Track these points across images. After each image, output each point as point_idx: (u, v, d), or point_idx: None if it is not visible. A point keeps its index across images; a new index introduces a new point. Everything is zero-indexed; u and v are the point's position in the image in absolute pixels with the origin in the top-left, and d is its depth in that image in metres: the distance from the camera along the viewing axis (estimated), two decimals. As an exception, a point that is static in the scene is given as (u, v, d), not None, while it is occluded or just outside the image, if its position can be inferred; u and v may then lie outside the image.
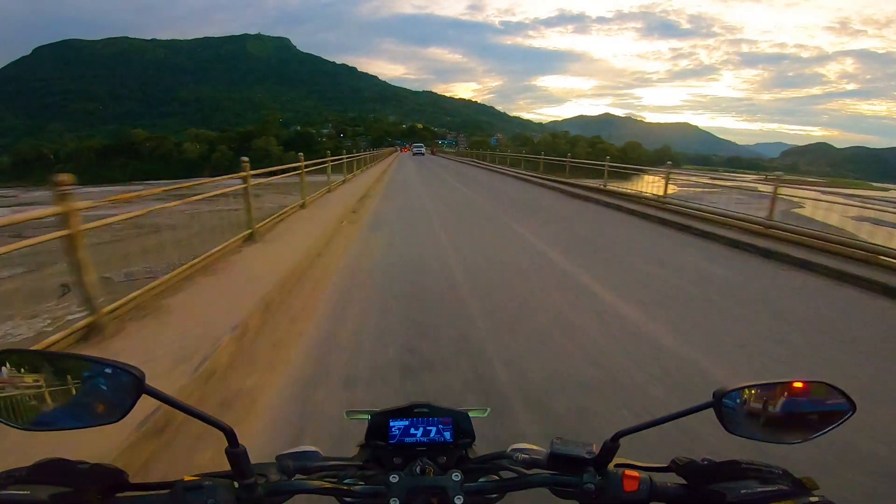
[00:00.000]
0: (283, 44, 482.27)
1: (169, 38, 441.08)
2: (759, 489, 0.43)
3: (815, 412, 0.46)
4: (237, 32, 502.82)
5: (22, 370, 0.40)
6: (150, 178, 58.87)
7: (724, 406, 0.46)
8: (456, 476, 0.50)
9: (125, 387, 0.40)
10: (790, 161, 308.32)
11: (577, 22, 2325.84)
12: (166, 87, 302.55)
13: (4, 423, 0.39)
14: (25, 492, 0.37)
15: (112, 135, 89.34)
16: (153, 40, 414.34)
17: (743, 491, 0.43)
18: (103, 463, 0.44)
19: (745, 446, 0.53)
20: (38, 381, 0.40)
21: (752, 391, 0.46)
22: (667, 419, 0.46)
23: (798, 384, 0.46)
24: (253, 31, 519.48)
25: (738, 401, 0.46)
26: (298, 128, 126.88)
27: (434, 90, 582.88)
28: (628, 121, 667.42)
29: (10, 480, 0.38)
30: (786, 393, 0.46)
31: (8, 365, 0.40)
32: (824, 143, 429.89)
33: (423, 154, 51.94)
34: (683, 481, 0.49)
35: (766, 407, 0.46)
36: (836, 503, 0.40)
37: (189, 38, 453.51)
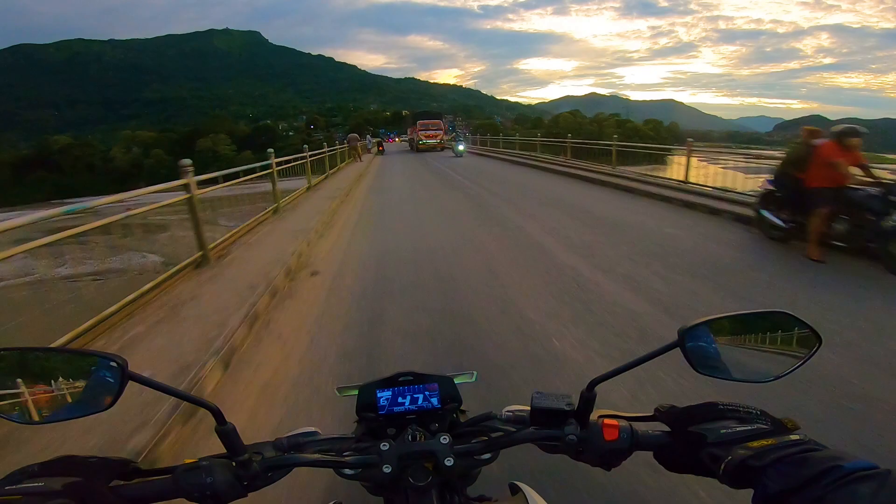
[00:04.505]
0: (254, 38, 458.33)
1: (128, 38, 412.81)
2: (739, 428, 0.43)
3: (780, 346, 0.46)
4: (203, 28, 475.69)
5: (10, 368, 0.41)
6: (74, 194, 45.08)
7: (689, 345, 0.45)
8: (444, 439, 0.50)
9: (111, 375, 0.41)
10: (788, 134, 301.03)
11: (556, 3, 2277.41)
12: (128, 89, 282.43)
13: (6, 419, 0.41)
14: (39, 483, 0.38)
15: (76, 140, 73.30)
16: (111, 41, 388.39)
17: (723, 431, 0.43)
18: (111, 455, 0.45)
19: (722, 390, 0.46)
20: (28, 377, 0.41)
21: (716, 326, 0.45)
22: (635, 363, 0.46)
23: (759, 315, 0.46)
24: (220, 27, 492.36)
25: (702, 337, 0.45)
26: (269, 122, 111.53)
27: (417, 78, 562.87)
28: (614, 99, 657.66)
29: (24, 476, 0.40)
30: (748, 326, 0.46)
31: None
32: (818, 116, 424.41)
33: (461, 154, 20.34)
34: (667, 428, 0.49)
35: (731, 343, 0.46)
36: (819, 442, 0.39)
37: (151, 36, 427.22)
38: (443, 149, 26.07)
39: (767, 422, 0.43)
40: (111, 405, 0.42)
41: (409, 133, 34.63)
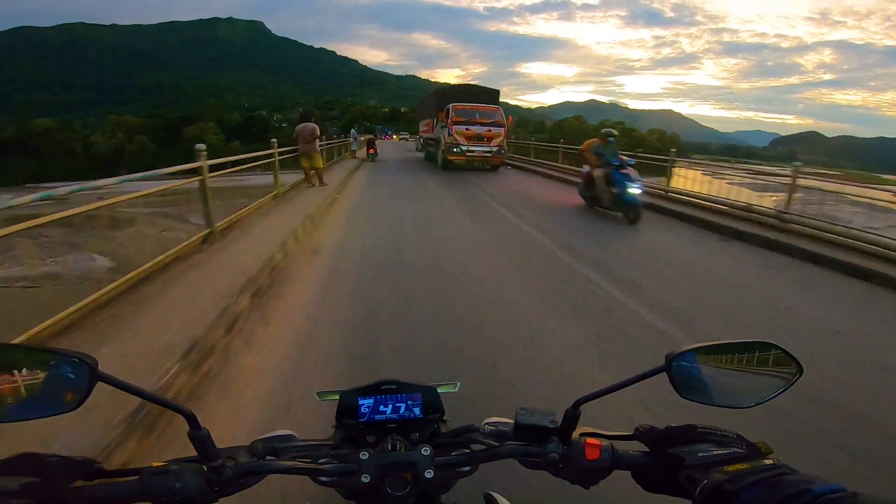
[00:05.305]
0: (257, 27, 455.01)
1: (130, 24, 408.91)
2: (716, 452, 0.44)
3: (763, 374, 0.47)
4: (207, 16, 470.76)
5: None
6: (49, 179, 43.51)
7: (675, 370, 0.46)
8: (425, 451, 0.50)
9: (79, 375, 0.40)
10: (785, 150, 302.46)
11: (562, 9, 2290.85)
12: (125, 74, 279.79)
13: None
14: None
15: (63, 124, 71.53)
16: (112, 26, 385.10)
17: (700, 454, 0.44)
18: (74, 455, 0.44)
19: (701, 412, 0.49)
20: None
21: (702, 353, 0.47)
22: (622, 385, 0.47)
23: (745, 344, 0.47)
24: (224, 15, 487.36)
25: (689, 363, 0.47)
26: (263, 112, 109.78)
27: (418, 76, 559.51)
28: (613, 107, 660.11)
29: None
30: (734, 354, 0.47)
31: None
32: (814, 132, 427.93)
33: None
34: (646, 448, 0.50)
35: (716, 369, 0.47)
36: (791, 466, 0.40)
37: (154, 22, 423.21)
38: (498, 167, 12.56)
39: (743, 446, 0.45)
40: (77, 406, 0.40)
41: (423, 127, 18.10)
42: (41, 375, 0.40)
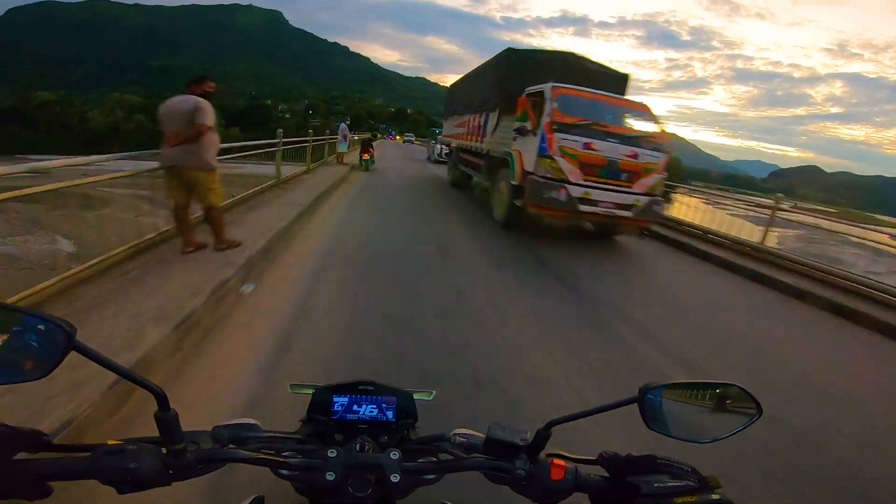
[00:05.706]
0: (274, 17, 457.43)
1: (152, 4, 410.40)
2: (670, 484, 0.47)
3: (726, 413, 0.50)
4: (228, 2, 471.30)
5: None
6: (41, 152, 43.43)
7: (646, 402, 0.48)
8: (394, 455, 0.50)
9: (54, 342, 0.38)
10: (784, 183, 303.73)
11: (579, 24, 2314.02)
12: (138, 55, 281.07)
13: None
14: None
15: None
16: (136, 5, 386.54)
17: (656, 485, 0.47)
18: (21, 426, 0.42)
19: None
20: None
21: (672, 389, 0.49)
22: (594, 412, 0.49)
23: (712, 384, 0.50)
24: (245, 2, 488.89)
25: (659, 398, 0.49)
26: (268, 101, 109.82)
27: (427, 78, 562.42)
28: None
29: None
30: (702, 392, 0.50)
31: None
32: (814, 166, 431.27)
33: None
34: (607, 473, 0.52)
35: (683, 405, 0.50)
36: (735, 502, 0.44)
37: (175, 5, 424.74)
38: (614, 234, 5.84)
39: (695, 479, 0.48)
40: (47, 374, 0.39)
41: (455, 128, 9.78)
42: (14, 338, 0.39)
